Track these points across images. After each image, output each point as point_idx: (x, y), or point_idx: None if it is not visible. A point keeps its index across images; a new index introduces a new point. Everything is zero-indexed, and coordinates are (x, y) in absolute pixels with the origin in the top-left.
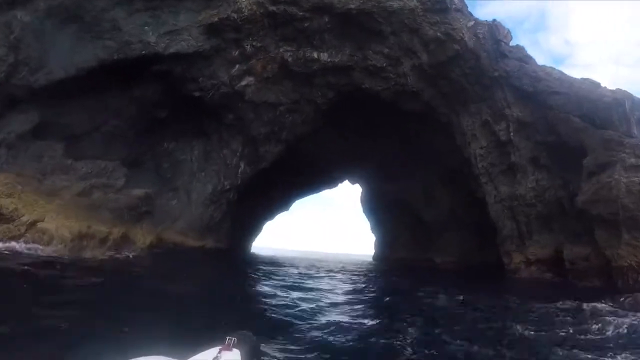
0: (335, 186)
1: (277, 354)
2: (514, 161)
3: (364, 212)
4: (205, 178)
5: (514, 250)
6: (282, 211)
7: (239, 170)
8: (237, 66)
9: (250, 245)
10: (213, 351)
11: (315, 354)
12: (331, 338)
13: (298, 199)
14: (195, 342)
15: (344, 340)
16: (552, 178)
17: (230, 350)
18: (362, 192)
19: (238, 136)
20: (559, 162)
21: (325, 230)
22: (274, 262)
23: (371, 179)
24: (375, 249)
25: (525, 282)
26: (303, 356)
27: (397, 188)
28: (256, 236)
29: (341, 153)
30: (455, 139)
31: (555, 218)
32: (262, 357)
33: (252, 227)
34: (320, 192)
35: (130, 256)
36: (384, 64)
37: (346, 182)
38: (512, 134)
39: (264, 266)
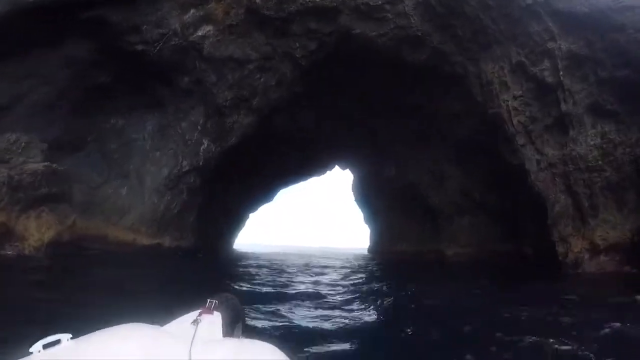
0: (323, 173)
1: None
2: (567, 111)
3: (356, 201)
4: (161, 159)
5: (571, 235)
6: (264, 202)
7: (202, 149)
8: (191, 11)
9: (231, 243)
10: (193, 314)
11: None
12: None
13: (282, 188)
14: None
15: None
16: (624, 130)
17: (211, 313)
18: (354, 179)
19: (199, 106)
20: (634, 107)
21: (313, 222)
22: (255, 264)
23: (366, 161)
24: (370, 241)
25: (597, 280)
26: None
27: (398, 169)
28: (237, 232)
29: (328, 129)
30: (472, 95)
31: (631, 186)
32: (244, 320)
33: (229, 221)
34: (308, 181)
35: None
36: (380, 2)
37: (335, 170)
38: (561, 74)
39: (242, 269)
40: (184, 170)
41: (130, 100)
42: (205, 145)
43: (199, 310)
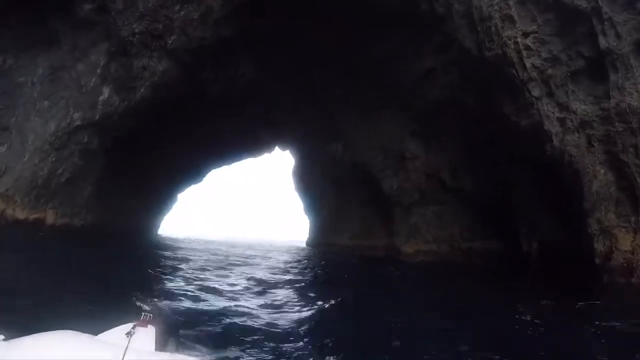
0: (260, 153)
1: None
2: (607, 48)
3: (296, 189)
4: (50, 111)
5: (617, 226)
6: (192, 182)
7: (100, 99)
8: None
9: (151, 227)
10: (127, 327)
11: None
12: None
13: (213, 167)
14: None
15: None
16: None
17: (146, 326)
18: (295, 163)
19: (101, 42)
20: None
21: (250, 211)
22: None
23: (310, 136)
24: (309, 233)
25: None
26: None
27: (347, 146)
28: (161, 214)
29: (268, 91)
30: (457, 41)
31: None
32: (179, 336)
33: (146, 199)
34: (244, 163)
35: None
36: None
37: (275, 154)
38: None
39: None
40: (74, 125)
41: (19, 36)
42: (106, 95)
43: (134, 323)
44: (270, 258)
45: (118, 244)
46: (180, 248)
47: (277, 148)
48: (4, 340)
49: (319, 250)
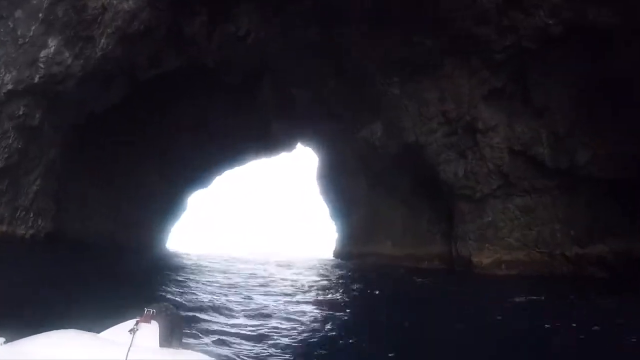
0: (277, 152)
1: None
2: None
3: (322, 191)
4: None
5: None
6: (198, 185)
7: (43, 54)
8: None
9: (157, 238)
10: (130, 323)
11: None
12: None
13: (223, 168)
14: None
15: None
16: None
17: (149, 322)
18: (319, 164)
19: None
20: None
21: (265, 221)
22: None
23: (334, 122)
24: (338, 242)
25: None
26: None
27: (390, 128)
28: (166, 224)
29: (278, 60)
30: None
31: None
32: (183, 331)
33: (142, 203)
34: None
35: None
36: None
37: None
38: None
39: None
40: (6, 89)
41: None
42: (52, 49)
43: (137, 319)
44: (294, 281)
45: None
46: (203, 270)
47: (298, 146)
48: (4, 343)
49: (351, 263)
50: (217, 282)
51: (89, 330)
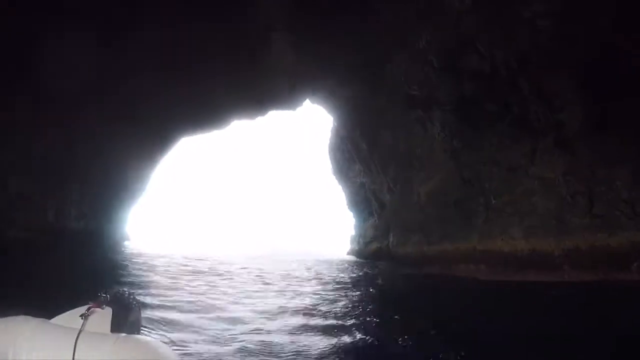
0: (266, 110)
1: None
2: None
3: (334, 171)
4: None
5: None
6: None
7: None
8: None
9: (104, 230)
10: (82, 308)
11: None
12: None
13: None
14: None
15: None
16: None
17: (102, 308)
18: (333, 125)
19: None
20: None
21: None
22: None
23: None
24: (355, 237)
25: None
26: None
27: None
28: (118, 208)
29: None
30: None
31: None
32: (138, 317)
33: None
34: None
35: None
36: None
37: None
38: None
39: None
40: None
41: None
42: None
43: (89, 305)
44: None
45: None
46: None
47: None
48: None
49: (384, 270)
50: None
51: (41, 316)
